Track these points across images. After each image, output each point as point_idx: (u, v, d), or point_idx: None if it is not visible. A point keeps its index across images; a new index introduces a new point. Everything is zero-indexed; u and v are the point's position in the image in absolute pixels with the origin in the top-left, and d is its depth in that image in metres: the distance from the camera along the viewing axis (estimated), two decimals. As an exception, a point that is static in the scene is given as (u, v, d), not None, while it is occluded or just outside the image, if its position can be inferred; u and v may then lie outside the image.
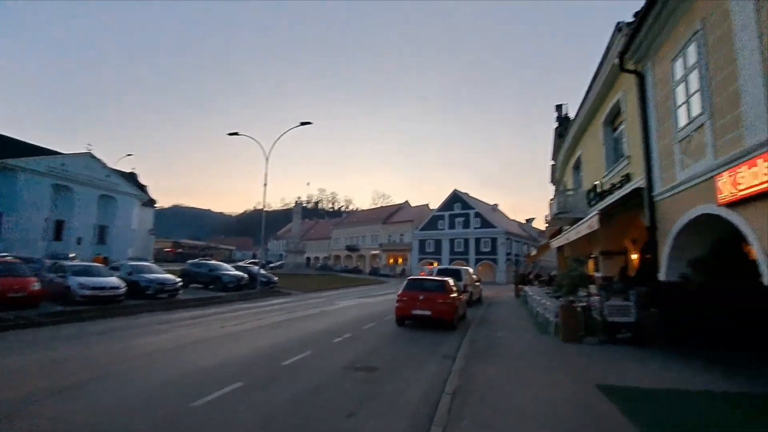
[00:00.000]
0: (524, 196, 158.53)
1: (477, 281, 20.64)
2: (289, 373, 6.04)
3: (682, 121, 7.57)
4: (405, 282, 11.55)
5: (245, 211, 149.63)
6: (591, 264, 21.77)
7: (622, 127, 12.08)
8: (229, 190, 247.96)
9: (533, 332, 10.04)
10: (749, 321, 7.73)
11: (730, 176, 5.82)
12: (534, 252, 27.34)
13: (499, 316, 13.86)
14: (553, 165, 32.41)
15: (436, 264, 54.03)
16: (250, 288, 21.05)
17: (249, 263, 33.16)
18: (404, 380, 5.95)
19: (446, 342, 9.03)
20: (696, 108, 7.05)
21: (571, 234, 12.89)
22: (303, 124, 22.35)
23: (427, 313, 10.32)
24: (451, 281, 12.37)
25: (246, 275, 21.76)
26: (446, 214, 58.36)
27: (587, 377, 5.92)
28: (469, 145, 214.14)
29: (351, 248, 71.92)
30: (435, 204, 63.79)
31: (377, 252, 66.50)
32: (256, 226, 58.26)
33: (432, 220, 59.65)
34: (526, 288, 20.03)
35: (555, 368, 6.45)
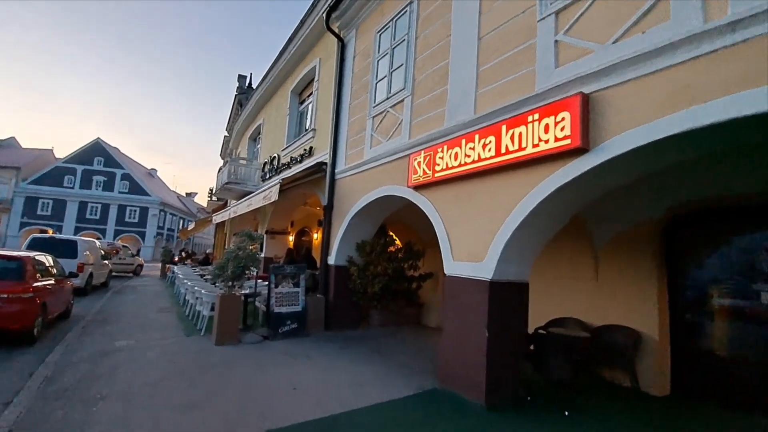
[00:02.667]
0: (191, 170, 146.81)
1: (107, 258, 15.19)
2: None
3: (380, 95, 7.07)
4: None
5: None
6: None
7: (310, 100, 11.32)
8: None
9: (177, 333, 7.23)
10: (393, 296, 8.26)
11: (426, 156, 5.41)
12: (191, 226, 23.95)
13: (130, 307, 9.96)
14: (226, 137, 30.07)
15: (51, 232, 39.32)
16: None
17: None
18: None
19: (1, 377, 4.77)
20: (398, 83, 6.62)
21: (242, 206, 10.97)
22: None
23: (-34, 319, 5.38)
24: (46, 260, 7.55)
25: None
26: (80, 168, 43.94)
27: (249, 411, 3.91)
28: (130, 99, 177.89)
29: None
30: (65, 153, 46.77)
31: (-69, 207, 41.38)
32: None
33: (55, 172, 43.24)
34: (175, 268, 16.55)
35: (197, 404, 4.05)
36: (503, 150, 4.22)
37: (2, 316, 5.63)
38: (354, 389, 4.64)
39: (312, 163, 9.14)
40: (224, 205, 22.08)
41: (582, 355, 5.03)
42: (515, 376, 4.48)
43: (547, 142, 3.76)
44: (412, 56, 6.29)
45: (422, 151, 5.50)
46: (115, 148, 47.14)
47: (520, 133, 4.06)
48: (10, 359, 5.38)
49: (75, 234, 39.82)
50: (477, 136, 4.58)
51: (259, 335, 6.93)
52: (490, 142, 4.39)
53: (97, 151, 44.91)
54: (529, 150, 3.93)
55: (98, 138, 45.50)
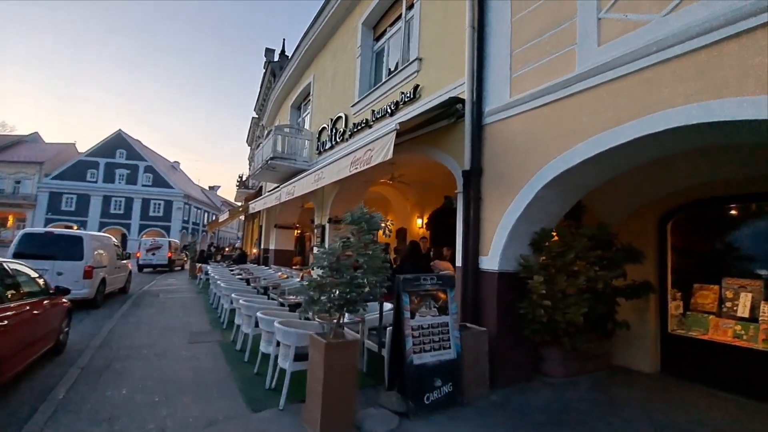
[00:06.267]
0: (210, 165, 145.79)
1: (125, 258, 12.25)
2: None
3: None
4: None
5: None
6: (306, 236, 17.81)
7: (396, 27, 7.87)
8: None
9: (232, 402, 3.98)
10: (591, 327, 4.81)
11: None
12: (223, 218, 21.07)
13: (150, 333, 6.82)
14: (254, 118, 26.94)
15: (76, 228, 37.41)
16: None
17: None
18: None
19: None
20: None
21: (303, 183, 7.68)
22: None
23: None
24: (11, 269, 4.46)
25: None
26: (103, 161, 41.98)
27: None
28: (148, 95, 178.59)
29: None
30: (87, 147, 44.79)
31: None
32: None
33: (78, 166, 41.38)
34: (209, 268, 13.53)
35: None
36: None
37: None
38: None
39: (428, 106, 5.68)
40: (258, 193, 19.02)
41: None
42: None
43: None
44: None
45: None
46: (137, 140, 45.02)
47: None
48: None
49: (100, 230, 37.96)
50: None
51: (391, 411, 3.60)
52: None
53: (119, 143, 42.85)
54: None
55: (120, 130, 43.46)
